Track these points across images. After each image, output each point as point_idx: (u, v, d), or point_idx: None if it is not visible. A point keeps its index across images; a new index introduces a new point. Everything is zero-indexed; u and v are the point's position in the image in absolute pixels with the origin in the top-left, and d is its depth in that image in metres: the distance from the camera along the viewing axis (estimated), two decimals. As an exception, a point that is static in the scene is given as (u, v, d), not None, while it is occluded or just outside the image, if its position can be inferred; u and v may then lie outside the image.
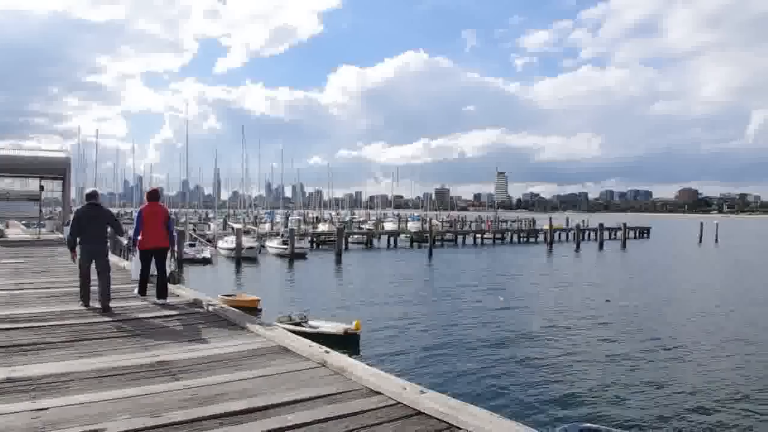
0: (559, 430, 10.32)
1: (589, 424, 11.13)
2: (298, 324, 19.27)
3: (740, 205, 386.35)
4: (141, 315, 7.79)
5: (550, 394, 14.30)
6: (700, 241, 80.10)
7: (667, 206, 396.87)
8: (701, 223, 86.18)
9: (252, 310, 20.91)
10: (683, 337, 21.12)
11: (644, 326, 22.88)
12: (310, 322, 19.95)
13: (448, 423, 3.65)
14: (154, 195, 10.16)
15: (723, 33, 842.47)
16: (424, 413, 3.85)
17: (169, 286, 9.67)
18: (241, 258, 44.41)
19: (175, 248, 11.63)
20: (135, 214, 10.25)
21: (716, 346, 19.82)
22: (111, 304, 8.20)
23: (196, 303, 8.86)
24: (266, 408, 3.94)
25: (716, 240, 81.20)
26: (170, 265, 10.12)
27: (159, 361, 5.26)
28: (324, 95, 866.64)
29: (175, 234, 10.54)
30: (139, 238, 9.63)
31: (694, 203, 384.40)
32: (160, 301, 8.97)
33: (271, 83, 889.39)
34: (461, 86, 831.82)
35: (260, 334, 6.60)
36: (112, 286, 8.50)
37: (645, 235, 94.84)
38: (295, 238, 50.33)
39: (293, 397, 4.18)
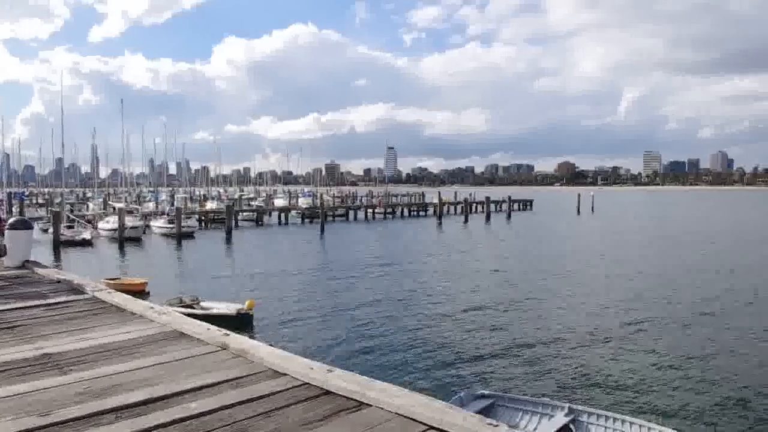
0: (455, 398, 10.68)
1: (483, 391, 11.63)
2: (190, 306, 18.74)
3: (613, 177, 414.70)
4: (18, 305, 7.21)
5: (448, 364, 14.80)
6: (578, 211, 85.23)
7: (547, 179, 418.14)
8: (578, 195, 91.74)
9: (139, 293, 19.99)
10: (566, 303, 22.47)
11: (530, 294, 24.11)
12: (202, 304, 19.45)
13: (357, 400, 3.65)
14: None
15: (601, 13, 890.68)
16: (332, 392, 3.82)
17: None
18: (124, 239, 42.40)
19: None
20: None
21: (598, 310, 21.26)
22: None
23: (79, 288, 8.32)
24: (168, 397, 3.76)
25: (592, 210, 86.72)
26: None
27: (45, 354, 4.88)
28: (209, 68, 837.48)
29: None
30: None
31: (572, 176, 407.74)
32: None
33: (152, 54, 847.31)
34: (351, 60, 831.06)
35: (154, 319, 6.30)
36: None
37: (528, 207, 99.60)
38: (182, 216, 48.62)
39: (196, 383, 4.01)
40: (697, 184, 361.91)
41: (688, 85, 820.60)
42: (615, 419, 9.98)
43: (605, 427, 9.92)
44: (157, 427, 3.28)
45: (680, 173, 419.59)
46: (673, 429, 9.79)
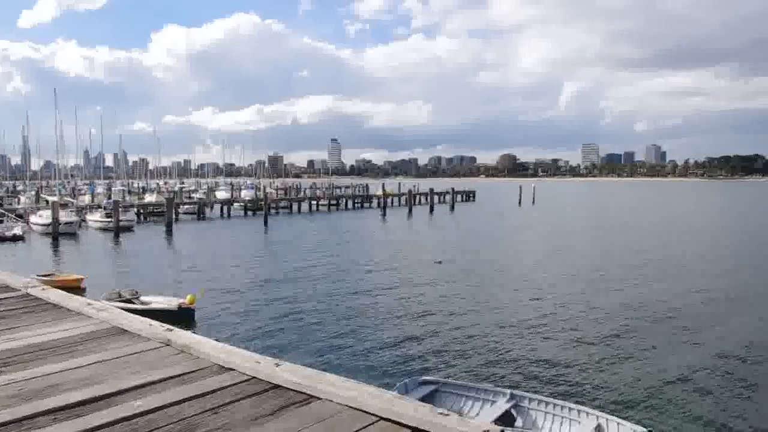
0: (399, 385, 10.79)
1: (426, 377, 11.78)
2: (129, 301, 18.27)
3: (553, 169, 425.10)
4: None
5: (392, 353, 14.90)
6: (520, 203, 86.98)
7: (489, 171, 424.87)
8: (520, 186, 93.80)
9: (75, 289, 19.31)
10: (507, 292, 22.92)
11: (472, 284, 24.50)
12: (142, 298, 18.99)
13: (306, 394, 3.62)
14: None
15: (543, 9, 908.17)
16: (281, 386, 3.77)
17: None
18: (58, 234, 40.86)
19: None
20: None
21: (538, 299, 21.76)
22: None
23: (9, 285, 7.95)
24: (110, 396, 3.64)
25: (533, 201, 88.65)
26: None
27: (-27, 355, 4.65)
28: (148, 56, 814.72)
29: None
30: None
31: (513, 168, 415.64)
32: None
33: (87, 42, 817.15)
34: (295, 51, 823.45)
35: (92, 315, 6.07)
36: None
37: (471, 198, 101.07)
38: (120, 210, 47.22)
39: (139, 381, 3.89)
40: (632, 176, 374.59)
41: (624, 80, 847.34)
42: (555, 405, 10.29)
43: (545, 412, 10.21)
44: (99, 427, 3.17)
45: (617, 165, 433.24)
46: (607, 413, 10.15)
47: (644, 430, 9.16)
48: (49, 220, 42.00)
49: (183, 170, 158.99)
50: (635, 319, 18.58)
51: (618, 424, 9.40)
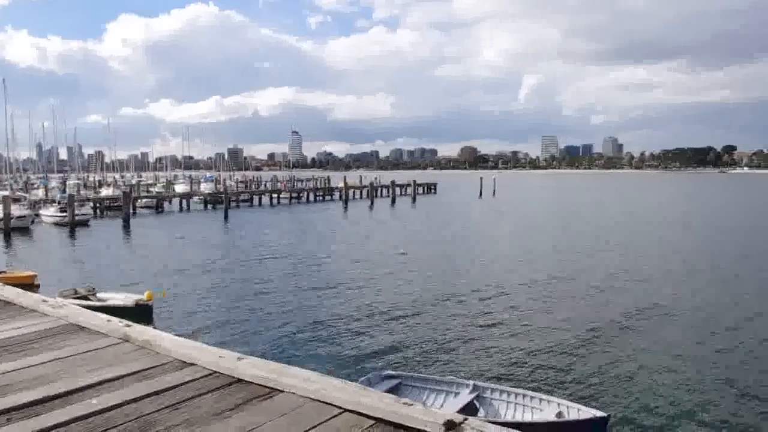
0: (363, 379, 10.79)
1: (389, 372, 11.83)
2: (85, 298, 17.89)
3: (513, 161, 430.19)
4: None
5: (355, 347, 14.90)
6: (481, 194, 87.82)
7: (451, 163, 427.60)
8: (481, 178, 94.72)
9: (28, 286, 18.77)
10: (470, 283, 23.12)
11: (436, 275, 24.65)
12: (99, 295, 18.60)
13: (270, 387, 3.57)
14: None
15: (504, 2, 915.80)
16: (244, 380, 3.72)
17: None
18: (10, 229, 39.67)
19: None
20: None
21: (499, 288, 22.02)
22: None
23: (-40, 283, 7.68)
24: (66, 394, 3.53)
25: (494, 193, 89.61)
26: None
27: None
28: (103, 47, 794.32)
29: None
30: None
31: (474, 160, 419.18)
32: None
33: (39, 31, 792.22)
34: (255, 43, 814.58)
35: (47, 312, 5.90)
36: None
37: (432, 190, 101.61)
38: (75, 204, 46.08)
39: (96, 378, 3.79)
40: (590, 168, 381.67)
41: (583, 73, 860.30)
42: (517, 394, 10.46)
43: (507, 402, 10.37)
44: (54, 427, 3.08)
45: (575, 157, 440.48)
46: (568, 400, 10.36)
47: (603, 414, 9.38)
48: (0, 215, 40.74)
49: (141, 163, 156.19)
50: (594, 307, 18.97)
51: (578, 410, 9.61)
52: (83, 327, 5.30)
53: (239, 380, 3.74)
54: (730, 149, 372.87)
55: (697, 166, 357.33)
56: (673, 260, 28.52)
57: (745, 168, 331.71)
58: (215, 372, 3.90)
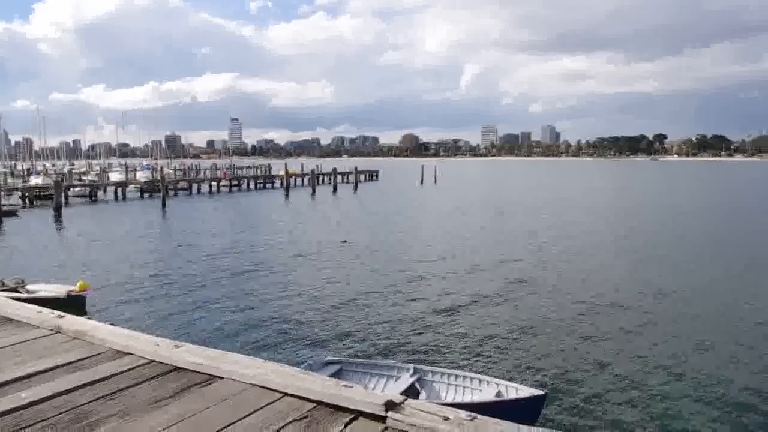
0: (304, 365, 10.79)
1: (330, 357, 11.86)
2: (14, 290, 17.13)
3: (454, 149, 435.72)
4: None
5: (295, 333, 14.86)
6: (422, 181, 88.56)
7: (392, 151, 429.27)
8: (422, 166, 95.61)
9: (-49, 279, 17.93)
10: (411, 270, 23.34)
11: (377, 262, 24.77)
12: (28, 287, 17.86)
13: (209, 374, 3.53)
14: None
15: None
16: (182, 368, 3.66)
17: None
18: (-70, 220, 37.64)
19: None
20: None
21: (439, 273, 22.30)
22: None
23: None
24: (-7, 388, 3.41)
25: (435, 180, 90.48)
26: None
27: None
28: (31, 28, 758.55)
29: None
30: None
31: (415, 148, 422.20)
32: None
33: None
34: (193, 27, 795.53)
35: (-28, 305, 5.65)
36: None
37: (374, 177, 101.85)
38: (2, 193, 44.03)
39: (27, 371, 3.66)
40: (529, 155, 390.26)
41: (522, 63, 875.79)
42: (457, 376, 10.67)
43: (448, 384, 10.57)
44: (-20, 421, 2.96)
45: (514, 144, 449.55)
46: (506, 380, 10.65)
47: (541, 392, 9.68)
48: None
49: (72, 151, 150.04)
50: (532, 289, 19.47)
51: (516, 389, 9.88)
52: (11, 319, 5.09)
53: (177, 368, 3.68)
54: (661, 138, 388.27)
55: (631, 153, 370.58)
56: (605, 238, 29.56)
57: (675, 156, 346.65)
58: (152, 361, 3.82)
